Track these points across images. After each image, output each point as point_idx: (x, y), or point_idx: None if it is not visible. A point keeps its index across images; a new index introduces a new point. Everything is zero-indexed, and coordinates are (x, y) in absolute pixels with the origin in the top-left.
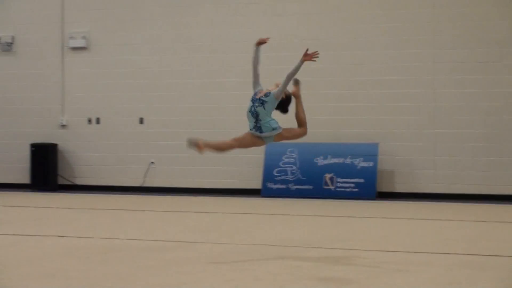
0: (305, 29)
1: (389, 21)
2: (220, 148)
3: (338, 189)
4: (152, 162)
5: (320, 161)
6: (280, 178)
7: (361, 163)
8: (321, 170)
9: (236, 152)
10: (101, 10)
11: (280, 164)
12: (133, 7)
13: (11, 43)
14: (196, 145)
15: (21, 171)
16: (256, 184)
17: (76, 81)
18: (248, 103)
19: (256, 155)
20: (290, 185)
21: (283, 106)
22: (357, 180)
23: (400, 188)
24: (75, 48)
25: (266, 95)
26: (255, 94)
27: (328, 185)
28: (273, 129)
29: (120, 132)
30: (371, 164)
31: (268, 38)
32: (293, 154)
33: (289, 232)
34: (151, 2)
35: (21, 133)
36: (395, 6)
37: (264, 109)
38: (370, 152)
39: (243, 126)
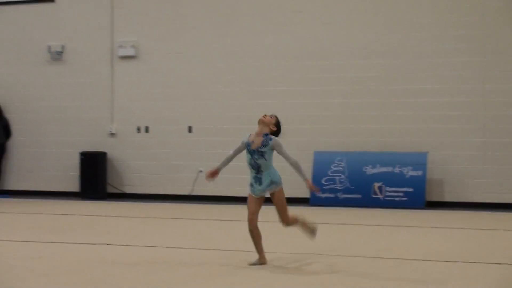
0: (351, 37)
1: (438, 29)
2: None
3: (387, 198)
4: (201, 171)
5: (369, 170)
6: (329, 187)
7: (410, 172)
8: (369, 179)
9: (284, 161)
10: (149, 19)
11: (329, 173)
12: (181, 16)
13: (61, 52)
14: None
15: (71, 179)
16: (304, 193)
17: (125, 90)
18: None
19: (304, 164)
20: (338, 194)
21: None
22: (406, 189)
23: (449, 197)
24: (124, 57)
25: (264, 145)
26: (249, 145)
27: (377, 194)
28: (272, 182)
29: (168, 141)
30: (420, 173)
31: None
32: (341, 163)
33: (337, 241)
34: (199, 11)
35: (71, 141)
36: (443, 13)
37: (265, 159)
38: (419, 161)
39: (289, 134)
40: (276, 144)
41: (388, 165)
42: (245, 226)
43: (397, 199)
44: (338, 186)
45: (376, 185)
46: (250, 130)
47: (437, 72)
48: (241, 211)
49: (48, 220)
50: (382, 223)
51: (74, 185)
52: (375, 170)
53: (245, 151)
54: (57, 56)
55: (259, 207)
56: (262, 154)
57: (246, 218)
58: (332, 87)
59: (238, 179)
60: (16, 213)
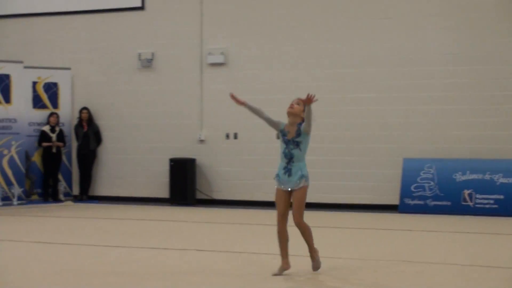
0: (440, 43)
1: None
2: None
3: (477, 206)
4: None
5: (459, 177)
6: (418, 193)
7: (500, 179)
8: (459, 186)
9: (373, 168)
10: (239, 26)
11: (418, 179)
12: (270, 23)
13: (151, 59)
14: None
15: (160, 185)
16: (393, 199)
17: (214, 97)
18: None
19: (393, 171)
20: (428, 201)
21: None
22: (497, 196)
23: None
24: (213, 64)
25: (298, 134)
26: (284, 134)
27: (467, 201)
28: (302, 175)
29: (257, 147)
30: (511, 180)
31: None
32: (431, 170)
33: (427, 248)
34: (287, 18)
35: (160, 148)
36: None
37: (300, 150)
38: (510, 168)
39: (378, 141)
40: (304, 128)
41: (478, 172)
42: (334, 233)
43: (487, 206)
44: (427, 193)
45: (466, 192)
46: (338, 138)
47: None
48: (330, 216)
49: (138, 225)
50: (472, 230)
51: (163, 191)
52: (465, 177)
53: (280, 140)
54: (147, 63)
55: (289, 206)
56: (297, 144)
57: (331, 224)
58: (421, 94)
59: (327, 185)
60: (106, 218)
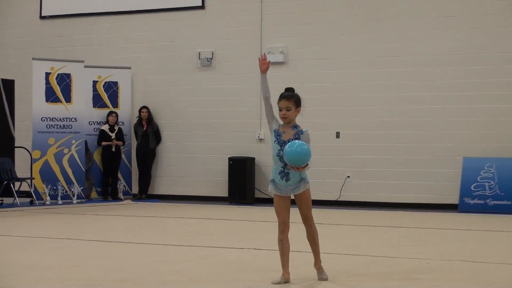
0: (498, 42)
1: None
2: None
3: None
4: (348, 176)
5: None
6: (478, 193)
7: None
8: None
9: (433, 167)
10: (298, 25)
11: (478, 179)
12: (328, 23)
13: (211, 58)
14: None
15: (219, 184)
16: (453, 199)
17: (273, 95)
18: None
19: (453, 170)
20: (488, 201)
21: None
22: None
23: None
24: (273, 63)
25: (296, 137)
26: (278, 134)
27: None
28: (301, 179)
29: (317, 146)
30: None
31: (268, 61)
32: (491, 169)
33: (487, 247)
34: (345, 17)
35: (219, 147)
36: None
37: None
38: None
39: (437, 140)
40: (306, 139)
41: None
42: (391, 232)
43: None
44: (487, 192)
45: None
46: (397, 136)
47: None
48: (390, 216)
49: (196, 224)
50: None
51: (222, 190)
52: None
53: (272, 142)
54: (207, 62)
55: (289, 212)
56: None
57: (391, 224)
58: (481, 93)
59: (386, 184)
60: (165, 217)
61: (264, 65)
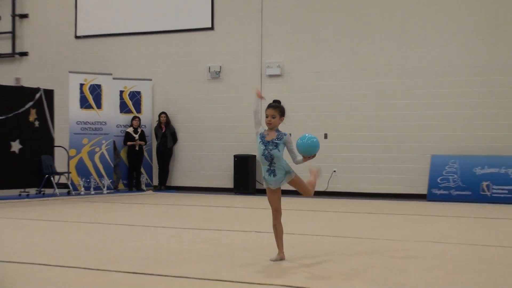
0: (463, 58)
1: None
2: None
3: (494, 195)
4: (334, 171)
5: (478, 171)
6: (443, 185)
7: None
8: (478, 178)
9: (406, 163)
10: (292, 43)
11: (443, 173)
12: (319, 41)
13: (219, 71)
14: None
15: (226, 177)
16: (423, 190)
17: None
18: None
19: (422, 165)
20: (451, 191)
21: None
22: (510, 187)
23: None
24: (271, 76)
25: (279, 138)
26: (263, 136)
27: (485, 192)
28: (287, 172)
29: None
30: None
31: (263, 98)
32: (454, 165)
33: (450, 230)
34: (332, 38)
35: (226, 146)
36: None
37: (279, 150)
38: None
39: (409, 140)
40: (288, 141)
41: (494, 166)
42: (371, 217)
43: (502, 195)
44: (451, 184)
45: (484, 183)
46: (376, 137)
47: None
48: (368, 205)
49: (207, 211)
50: (489, 216)
51: (228, 182)
52: (483, 171)
53: (258, 143)
54: (216, 75)
55: (280, 200)
56: (276, 145)
57: (371, 211)
58: (448, 101)
59: (366, 177)
60: (181, 205)
61: (259, 97)
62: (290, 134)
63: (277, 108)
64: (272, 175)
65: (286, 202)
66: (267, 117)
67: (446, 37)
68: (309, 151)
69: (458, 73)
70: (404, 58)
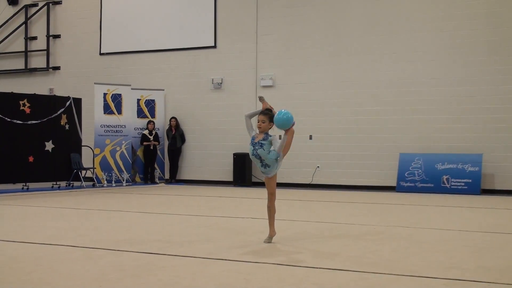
0: (425, 72)
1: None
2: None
3: (452, 187)
4: (318, 166)
5: (439, 167)
6: (410, 178)
7: (469, 168)
8: (440, 173)
9: (378, 160)
10: (283, 59)
11: (410, 168)
12: (305, 57)
13: (221, 83)
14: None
15: (226, 172)
16: (392, 182)
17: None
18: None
19: (392, 162)
20: (417, 184)
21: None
22: (466, 180)
23: (499, 187)
24: (265, 86)
25: (265, 138)
26: (253, 138)
27: (445, 184)
28: (276, 159)
29: (295, 145)
30: (477, 168)
31: (270, 107)
32: (419, 161)
33: (416, 217)
34: (317, 54)
35: (227, 146)
36: (494, 52)
37: (264, 149)
38: (476, 160)
39: (380, 140)
40: (273, 139)
41: (453, 163)
42: (348, 206)
43: (459, 187)
44: (416, 178)
45: (445, 177)
46: (353, 138)
47: (495, 97)
48: (346, 195)
49: (211, 200)
50: (448, 204)
51: (228, 176)
52: (444, 167)
53: (249, 145)
54: (218, 86)
55: (275, 185)
56: (261, 145)
57: (348, 200)
58: (412, 107)
59: (345, 172)
60: (189, 195)
61: (264, 107)
62: (280, 136)
63: (267, 115)
64: (266, 167)
65: (277, 193)
66: (258, 121)
67: (412, 55)
68: (285, 124)
69: (421, 84)
70: (376, 71)
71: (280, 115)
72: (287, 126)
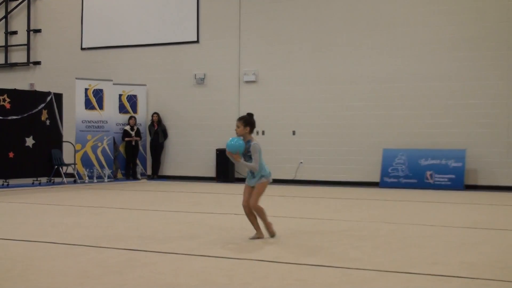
0: (409, 66)
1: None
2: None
3: (436, 183)
4: (301, 162)
5: (423, 162)
6: (393, 174)
7: (452, 164)
8: (423, 168)
9: (362, 156)
10: (265, 55)
11: (393, 164)
12: (288, 53)
13: (203, 78)
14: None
15: (209, 168)
16: (376, 178)
17: (248, 105)
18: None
19: (376, 158)
20: (400, 179)
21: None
22: (450, 176)
23: (482, 182)
24: (247, 82)
25: (247, 149)
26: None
27: (428, 180)
28: (262, 176)
29: (278, 141)
30: (460, 164)
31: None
32: (403, 157)
33: (399, 212)
34: (299, 50)
35: (209, 141)
36: (460, 40)
37: (251, 159)
38: (460, 155)
39: (363, 136)
40: (252, 149)
41: (436, 158)
42: (332, 202)
43: (443, 183)
44: (400, 173)
45: (428, 173)
46: (336, 134)
47: (476, 92)
48: (329, 191)
49: (193, 196)
50: (432, 200)
51: (211, 172)
52: (427, 162)
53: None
54: (200, 81)
55: (250, 195)
56: (250, 156)
57: (332, 196)
58: (396, 103)
59: (328, 167)
60: (171, 191)
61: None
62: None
63: (241, 120)
64: (252, 177)
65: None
66: (236, 128)
67: (396, 50)
68: (235, 148)
69: (405, 80)
70: (360, 67)
71: (232, 142)
72: (240, 149)
